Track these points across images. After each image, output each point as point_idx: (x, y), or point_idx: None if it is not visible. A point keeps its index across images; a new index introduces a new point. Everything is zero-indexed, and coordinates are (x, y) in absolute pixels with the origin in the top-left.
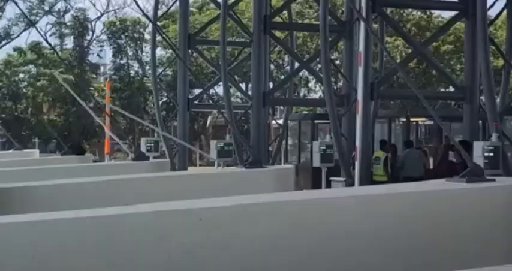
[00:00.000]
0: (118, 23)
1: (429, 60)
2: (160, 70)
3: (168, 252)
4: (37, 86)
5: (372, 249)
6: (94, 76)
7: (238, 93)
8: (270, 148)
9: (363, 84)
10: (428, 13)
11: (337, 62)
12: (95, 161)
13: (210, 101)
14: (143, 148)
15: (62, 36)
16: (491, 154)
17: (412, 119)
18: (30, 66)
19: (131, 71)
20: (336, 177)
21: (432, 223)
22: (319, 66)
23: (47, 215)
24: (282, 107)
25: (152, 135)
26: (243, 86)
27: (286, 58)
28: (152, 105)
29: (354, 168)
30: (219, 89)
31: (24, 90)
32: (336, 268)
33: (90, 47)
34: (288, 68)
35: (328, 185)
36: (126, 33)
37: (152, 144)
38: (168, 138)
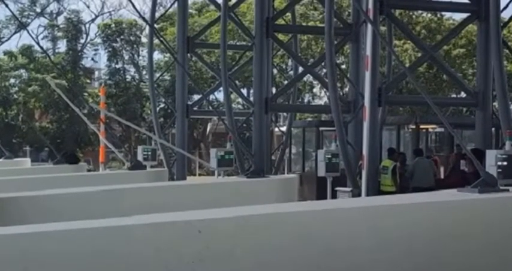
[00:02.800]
0: (113, 25)
1: (440, 64)
2: (157, 75)
3: (166, 266)
4: (28, 91)
5: (379, 262)
6: (88, 81)
7: (240, 99)
8: (273, 157)
9: (370, 89)
10: (438, 15)
11: (343, 66)
12: (89, 170)
13: (210, 107)
14: (140, 157)
15: (54, 40)
16: (505, 163)
17: (421, 126)
18: (21, 70)
19: (127, 76)
20: (342, 187)
21: (443, 236)
22: (324, 70)
23: (39, 227)
24: (285, 114)
25: (149, 143)
26: (244, 91)
27: (290, 62)
28: (149, 112)
29: (360, 178)
30: (220, 95)
31: (15, 96)
32: None
33: (84, 50)
34: (291, 72)
35: (334, 195)
36: (121, 36)
37: (149, 153)
38: (165, 146)
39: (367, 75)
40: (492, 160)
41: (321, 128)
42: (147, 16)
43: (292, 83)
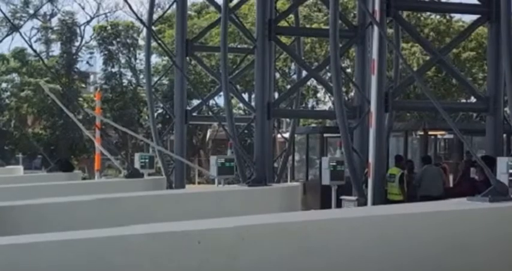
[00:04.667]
0: (109, 27)
1: (449, 68)
2: (155, 79)
3: None
4: (21, 96)
5: None
6: (83, 85)
7: (241, 105)
8: (275, 165)
9: (377, 94)
10: (447, 17)
11: (349, 70)
12: (84, 178)
13: (210, 113)
14: (137, 165)
15: (48, 42)
16: None
17: (430, 133)
18: (14, 74)
19: (124, 80)
20: (347, 196)
21: (452, 246)
22: (328, 74)
23: (31, 237)
24: (288, 120)
25: (147, 150)
26: (245, 96)
27: (293, 66)
28: (147, 118)
29: (366, 186)
30: (220, 100)
31: (7, 101)
32: None
33: (79, 53)
34: (294, 76)
35: (339, 205)
36: (118, 39)
37: (147, 160)
38: (164, 154)
39: (374, 79)
40: (503, 167)
41: (325, 135)
42: (145, 18)
43: (295, 88)
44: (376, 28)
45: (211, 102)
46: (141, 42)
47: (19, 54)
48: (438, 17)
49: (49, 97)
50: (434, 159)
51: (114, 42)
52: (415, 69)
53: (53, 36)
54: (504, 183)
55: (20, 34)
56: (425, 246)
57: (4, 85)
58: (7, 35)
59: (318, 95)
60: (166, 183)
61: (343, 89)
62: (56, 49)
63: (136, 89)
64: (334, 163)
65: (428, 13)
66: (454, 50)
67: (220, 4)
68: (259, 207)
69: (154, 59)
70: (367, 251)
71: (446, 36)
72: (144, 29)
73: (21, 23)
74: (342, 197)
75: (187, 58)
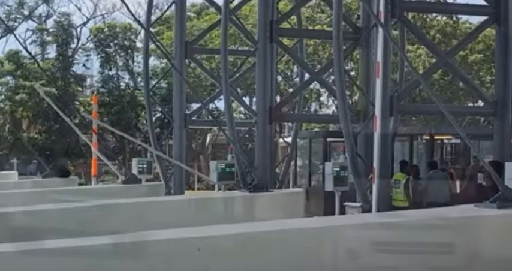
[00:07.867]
0: (106, 29)
1: (455, 71)
2: (153, 82)
3: None
4: (16, 99)
5: None
6: (79, 89)
7: (241, 108)
8: (277, 170)
9: (381, 97)
10: (454, 18)
11: (352, 73)
12: (80, 184)
13: (210, 117)
14: (135, 170)
15: (43, 44)
16: None
17: (436, 137)
18: (8, 77)
19: (121, 83)
20: (351, 203)
21: (459, 254)
22: (332, 77)
23: (27, 245)
24: (290, 124)
25: (145, 155)
26: (246, 100)
27: (295, 69)
28: (145, 122)
29: (371, 192)
30: (220, 104)
31: (1, 105)
32: None
33: (75, 56)
34: (297, 79)
35: (342, 211)
36: (115, 41)
37: (145, 165)
38: (162, 159)
39: (378, 82)
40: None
41: (328, 139)
42: (143, 19)
43: (297, 91)
44: (380, 30)
45: (211, 105)
46: (139, 44)
47: (13, 56)
48: (445, 18)
49: (44, 100)
50: (440, 165)
51: (111, 44)
52: (420, 72)
53: (49, 38)
54: None
55: (15, 36)
56: (431, 253)
57: None
58: (1, 37)
59: (321, 98)
60: (165, 189)
61: (347, 92)
62: (52, 51)
63: (134, 93)
64: (338, 169)
65: (434, 14)
66: (461, 52)
67: (221, 5)
68: (260, 213)
69: (153, 61)
70: (371, 257)
71: (453, 38)
72: (142, 31)
73: (16, 24)
74: (346, 204)
75: (187, 60)
